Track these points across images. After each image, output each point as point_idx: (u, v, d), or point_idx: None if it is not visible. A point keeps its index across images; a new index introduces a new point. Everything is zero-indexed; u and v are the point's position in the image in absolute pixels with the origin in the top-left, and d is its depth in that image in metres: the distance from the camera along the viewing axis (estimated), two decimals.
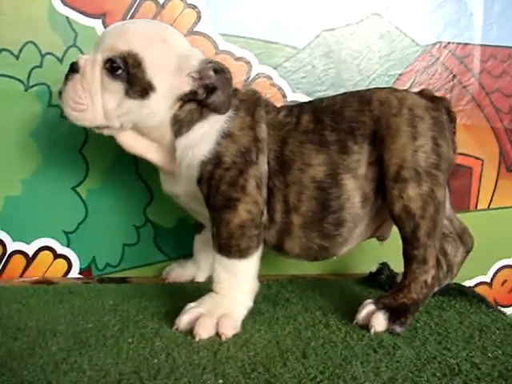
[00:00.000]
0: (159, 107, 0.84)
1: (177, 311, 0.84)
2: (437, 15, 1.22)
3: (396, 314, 0.81)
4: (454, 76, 1.24)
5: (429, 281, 0.84)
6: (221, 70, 0.84)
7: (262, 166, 0.85)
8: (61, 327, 0.78)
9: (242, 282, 0.83)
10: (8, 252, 1.07)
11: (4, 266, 1.07)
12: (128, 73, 0.82)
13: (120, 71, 0.82)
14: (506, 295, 1.34)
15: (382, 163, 0.84)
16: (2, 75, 1.03)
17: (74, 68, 0.85)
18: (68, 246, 1.09)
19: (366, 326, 0.82)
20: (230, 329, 0.77)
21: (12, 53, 1.03)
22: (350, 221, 0.87)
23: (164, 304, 0.90)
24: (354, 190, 0.86)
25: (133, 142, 0.89)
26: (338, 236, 0.87)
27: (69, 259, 1.09)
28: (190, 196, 0.89)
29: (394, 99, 0.86)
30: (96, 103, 0.83)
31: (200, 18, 1.10)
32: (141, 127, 0.86)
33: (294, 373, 0.66)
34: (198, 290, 0.97)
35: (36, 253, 1.08)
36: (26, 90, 1.04)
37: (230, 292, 0.82)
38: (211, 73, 0.84)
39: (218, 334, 0.77)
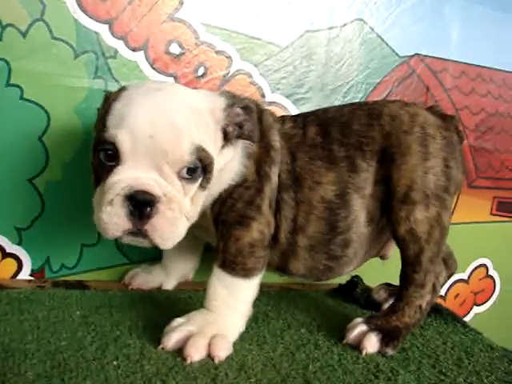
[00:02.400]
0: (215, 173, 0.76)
1: (155, 325, 0.77)
2: (417, 27, 1.21)
3: (389, 336, 0.79)
4: (428, 89, 1.24)
5: (423, 306, 0.81)
6: (246, 106, 0.77)
7: (274, 178, 0.80)
8: (31, 346, 0.68)
9: (239, 303, 0.77)
10: None
11: None
12: (203, 167, 0.72)
13: (199, 171, 0.71)
14: (457, 308, 1.37)
15: (390, 182, 0.80)
16: None
17: (147, 201, 0.67)
18: (19, 244, 0.97)
19: (355, 346, 0.79)
20: (224, 350, 0.71)
21: None
22: (355, 241, 0.83)
23: (138, 316, 0.82)
24: (361, 210, 0.82)
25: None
26: (344, 257, 0.84)
27: (19, 259, 0.97)
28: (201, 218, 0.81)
29: (406, 115, 0.83)
30: (184, 214, 0.72)
31: (182, 3, 1.01)
32: None
33: None
34: (169, 299, 0.92)
35: None
36: None
37: (225, 311, 0.76)
38: (238, 110, 0.77)
39: (208, 355, 0.70)
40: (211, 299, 0.76)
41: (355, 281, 1.06)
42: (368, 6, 1.15)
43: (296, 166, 0.82)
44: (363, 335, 0.79)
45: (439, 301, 1.29)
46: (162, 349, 0.71)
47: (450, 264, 0.96)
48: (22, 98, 0.93)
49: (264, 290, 1.01)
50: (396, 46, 1.19)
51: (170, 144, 0.68)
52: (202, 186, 0.73)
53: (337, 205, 0.81)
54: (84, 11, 0.95)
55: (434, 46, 1.23)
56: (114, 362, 0.66)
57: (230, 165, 0.78)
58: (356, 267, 0.90)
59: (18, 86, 0.93)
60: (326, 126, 0.84)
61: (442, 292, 1.35)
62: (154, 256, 1.02)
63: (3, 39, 0.91)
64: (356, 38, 1.16)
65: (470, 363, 0.79)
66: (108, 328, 0.76)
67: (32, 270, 0.98)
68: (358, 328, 0.80)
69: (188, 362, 0.68)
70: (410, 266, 0.81)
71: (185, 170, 0.70)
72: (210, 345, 0.71)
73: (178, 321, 0.74)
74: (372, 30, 1.17)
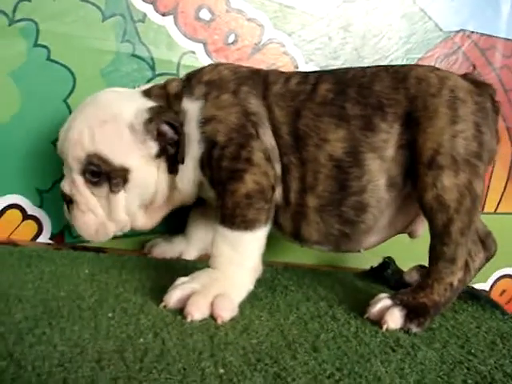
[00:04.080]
0: (146, 179, 0.79)
1: (162, 287, 0.73)
2: (464, 2, 1.14)
3: (414, 312, 0.72)
4: (475, 67, 1.16)
5: (454, 283, 0.74)
6: (172, 122, 0.77)
7: (266, 140, 0.77)
8: (27, 293, 0.66)
9: (244, 258, 0.73)
10: None
11: None
12: (103, 173, 0.77)
13: (100, 176, 0.78)
14: (504, 306, 1.26)
15: (415, 147, 0.74)
16: None
17: (65, 200, 0.81)
18: (40, 206, 0.96)
19: (377, 322, 0.72)
20: (228, 311, 0.67)
21: None
22: (373, 206, 0.77)
23: (148, 278, 0.79)
24: (379, 172, 0.76)
25: (149, 219, 0.84)
26: (361, 223, 0.78)
27: (40, 221, 0.96)
28: (201, 186, 0.82)
29: (435, 78, 0.77)
30: (99, 216, 0.80)
31: None
32: (146, 203, 0.82)
33: (306, 367, 0.56)
34: (186, 267, 0.87)
35: (3, 210, 0.94)
36: (10, 25, 0.91)
37: (229, 268, 0.72)
38: (165, 127, 0.77)
39: (212, 316, 0.66)
40: (215, 256, 0.73)
41: (387, 262, 0.99)
42: None
43: (300, 125, 0.78)
44: (386, 310, 0.73)
45: None
46: (164, 307, 0.67)
47: (488, 244, 0.87)
48: (48, 58, 0.93)
49: (289, 268, 0.97)
50: (440, 21, 1.12)
51: (66, 154, 0.79)
52: (113, 191, 0.78)
53: (348, 163, 0.76)
54: None
55: (482, 22, 1.15)
56: (109, 314, 0.62)
57: (190, 143, 0.78)
58: (381, 240, 0.84)
59: (45, 47, 0.93)
60: (342, 84, 0.79)
61: (487, 287, 1.25)
62: (176, 227, 0.98)
63: (32, 0, 0.91)
64: (396, 10, 1.10)
65: (504, 347, 0.71)
66: (113, 285, 0.73)
67: (52, 234, 0.97)
68: (382, 302, 0.74)
69: (188, 320, 0.64)
70: (438, 238, 0.74)
71: (87, 174, 0.78)
72: (213, 304, 0.67)
73: (182, 279, 0.71)
74: (414, 2, 1.10)
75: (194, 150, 0.78)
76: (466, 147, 0.73)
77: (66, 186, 0.80)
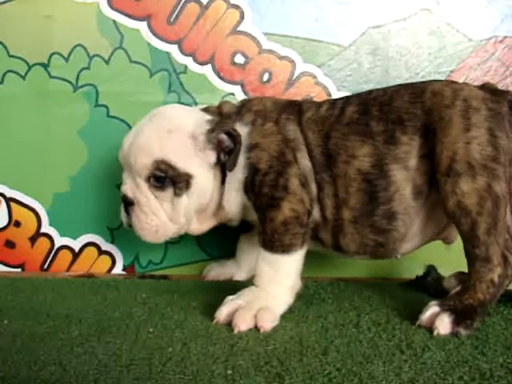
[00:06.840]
0: (205, 185, 0.89)
1: (206, 305, 0.85)
2: (493, 8, 1.16)
3: (462, 316, 0.77)
4: None
5: (495, 279, 0.78)
6: (231, 132, 0.86)
7: (303, 163, 0.86)
8: (87, 315, 0.80)
9: (283, 277, 0.82)
10: (56, 247, 1.11)
11: (51, 261, 1.11)
12: (169, 177, 0.86)
13: (165, 180, 0.86)
14: None
15: (434, 157, 0.80)
16: (53, 77, 1.08)
17: (127, 202, 0.91)
18: (112, 242, 1.12)
19: (429, 327, 0.77)
20: (269, 322, 0.77)
21: (62, 56, 1.08)
22: (402, 213, 0.84)
23: (195, 299, 0.90)
24: (404, 182, 0.83)
25: (200, 225, 0.94)
26: (393, 230, 0.85)
27: (113, 256, 1.12)
28: (246, 209, 0.91)
29: (448, 90, 0.83)
30: (161, 217, 0.89)
31: (243, 17, 1.10)
32: (201, 208, 0.91)
33: (308, 368, 0.63)
34: (234, 288, 0.96)
35: (82, 248, 1.11)
36: (74, 91, 1.09)
37: (270, 286, 0.82)
38: (224, 136, 0.86)
39: (256, 327, 0.76)
40: (258, 276, 0.83)
41: (428, 271, 1.03)
42: None
43: (330, 145, 0.86)
44: (435, 316, 0.78)
45: None
46: (216, 323, 0.78)
47: None
48: (108, 115, 1.09)
49: (334, 282, 1.04)
50: (468, 31, 1.15)
51: (133, 159, 0.87)
52: (177, 194, 0.87)
53: (374, 175, 0.83)
54: (155, 35, 1.09)
55: None
56: (150, 329, 0.74)
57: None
58: (415, 247, 0.89)
59: (104, 106, 1.09)
60: (366, 105, 0.87)
61: None
62: (232, 252, 1.09)
63: (91, 68, 1.09)
64: (422, 28, 1.14)
65: None
66: (163, 307, 0.85)
67: (124, 266, 1.12)
68: (431, 310, 0.79)
69: (236, 331, 0.75)
70: (467, 242, 0.79)
71: (152, 179, 0.87)
72: (256, 317, 0.77)
73: (230, 297, 0.82)
74: (440, 18, 1.14)
75: (239, 174, 0.88)
76: (481, 152, 0.77)
77: (128, 190, 0.90)
